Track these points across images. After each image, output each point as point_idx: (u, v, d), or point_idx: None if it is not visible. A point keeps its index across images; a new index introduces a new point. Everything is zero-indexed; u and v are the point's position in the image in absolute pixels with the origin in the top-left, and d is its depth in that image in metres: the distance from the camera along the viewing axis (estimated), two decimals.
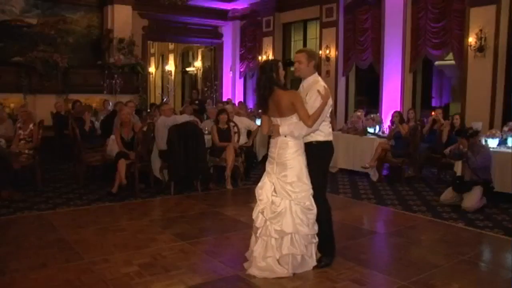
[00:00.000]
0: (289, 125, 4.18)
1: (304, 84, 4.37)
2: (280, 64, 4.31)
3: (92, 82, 13.33)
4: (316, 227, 4.23)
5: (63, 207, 6.67)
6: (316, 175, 4.27)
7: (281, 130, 4.21)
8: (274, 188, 4.21)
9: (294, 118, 4.16)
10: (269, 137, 4.50)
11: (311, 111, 4.12)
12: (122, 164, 7.27)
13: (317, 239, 4.28)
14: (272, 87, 4.19)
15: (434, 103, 13.18)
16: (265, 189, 4.25)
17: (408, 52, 11.35)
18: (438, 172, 9.02)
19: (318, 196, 4.28)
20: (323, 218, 4.33)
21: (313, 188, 4.22)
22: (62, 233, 5.43)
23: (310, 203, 4.17)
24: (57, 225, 5.76)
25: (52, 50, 13.08)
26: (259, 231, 4.22)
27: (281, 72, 4.27)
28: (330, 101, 4.25)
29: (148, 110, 12.09)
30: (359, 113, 10.23)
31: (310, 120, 4.10)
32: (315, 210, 4.19)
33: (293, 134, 4.17)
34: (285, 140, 4.21)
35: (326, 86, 4.22)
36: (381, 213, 6.85)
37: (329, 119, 4.36)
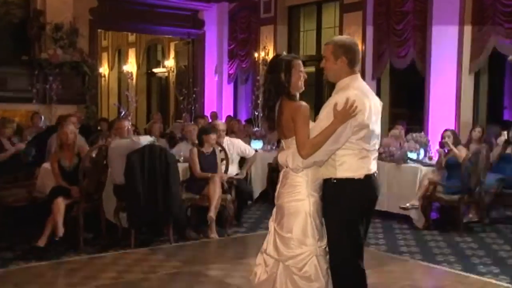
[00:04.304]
0: (288, 151, 4.17)
1: (334, 92, 4.23)
2: (296, 62, 4.22)
3: (14, 86, 13.21)
4: None
5: None
6: (334, 229, 4.12)
7: (279, 157, 4.25)
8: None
9: None
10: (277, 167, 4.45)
11: (314, 132, 4.01)
12: (59, 205, 7.16)
13: None
14: (279, 94, 4.15)
15: (506, 116, 13.16)
16: (265, 240, 4.26)
17: (468, 44, 11.33)
18: None
19: (338, 263, 4.11)
20: None
21: (329, 250, 4.12)
22: None
23: (313, 271, 4.04)
24: None
25: None
26: None
27: (297, 74, 4.19)
28: (358, 121, 3.99)
29: (98, 128, 12.03)
30: (397, 131, 10.22)
31: (305, 147, 3.97)
32: (319, 284, 4.06)
33: (288, 164, 4.13)
34: (286, 173, 4.19)
35: (355, 98, 3.98)
36: (430, 275, 6.80)
37: (365, 146, 4.10)
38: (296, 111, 4.06)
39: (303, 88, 4.26)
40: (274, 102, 4.16)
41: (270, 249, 4.15)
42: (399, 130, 10.40)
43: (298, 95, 4.23)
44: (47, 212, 7.23)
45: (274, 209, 4.28)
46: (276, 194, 4.26)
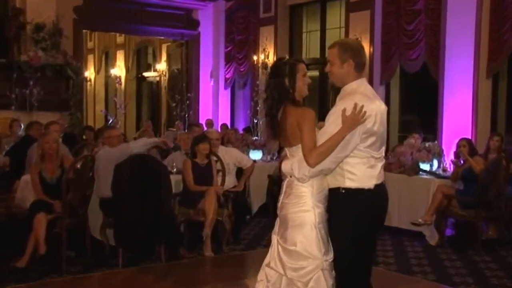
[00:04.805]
0: (293, 159, 4.20)
1: (339, 96, 4.30)
2: (300, 66, 4.28)
3: None
4: None
5: None
6: (341, 242, 4.15)
7: (282, 166, 4.27)
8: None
9: None
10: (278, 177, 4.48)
11: (321, 139, 4.03)
12: (40, 221, 7.13)
13: None
14: (282, 100, 4.19)
15: None
16: (268, 254, 4.28)
17: (485, 46, 11.32)
18: None
19: (345, 279, 4.14)
20: None
21: (335, 266, 4.14)
22: None
23: (318, 286, 4.05)
24: None
25: None
26: None
27: (301, 79, 4.25)
28: (366, 128, 4.05)
29: (84, 137, 12.02)
30: (412, 141, 10.19)
31: (312, 155, 4.00)
32: None
33: (293, 173, 4.15)
34: (291, 182, 4.23)
35: (363, 103, 4.02)
36: None
37: (373, 153, 4.17)
38: (303, 117, 4.10)
39: (307, 93, 4.30)
40: (278, 109, 4.20)
41: (273, 262, 4.17)
42: (415, 139, 10.38)
43: (302, 101, 4.27)
44: (27, 229, 7.19)
45: (277, 221, 4.31)
46: (279, 205, 4.29)
